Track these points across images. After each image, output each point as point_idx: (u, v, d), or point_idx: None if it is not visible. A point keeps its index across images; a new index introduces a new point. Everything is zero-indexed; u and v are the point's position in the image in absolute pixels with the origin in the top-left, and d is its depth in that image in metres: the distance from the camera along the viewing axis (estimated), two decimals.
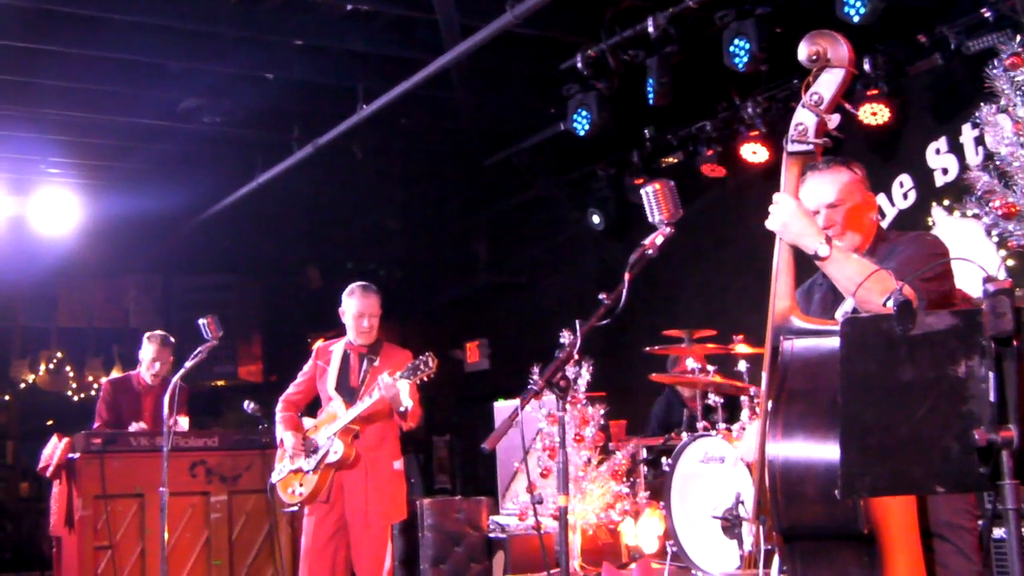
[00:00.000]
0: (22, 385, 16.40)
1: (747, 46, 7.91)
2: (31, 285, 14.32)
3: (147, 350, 8.90)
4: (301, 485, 7.16)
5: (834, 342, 3.04)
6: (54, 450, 8.67)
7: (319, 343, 7.63)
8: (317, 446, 7.12)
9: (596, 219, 11.18)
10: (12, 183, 11.80)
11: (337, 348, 7.39)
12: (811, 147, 3.67)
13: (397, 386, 6.82)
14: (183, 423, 8.68)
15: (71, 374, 16.21)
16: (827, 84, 3.65)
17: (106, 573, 8.18)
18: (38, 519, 14.70)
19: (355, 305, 7.24)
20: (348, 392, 7.18)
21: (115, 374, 14.70)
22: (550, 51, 9.41)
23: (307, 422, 7.37)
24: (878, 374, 2.87)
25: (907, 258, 3.80)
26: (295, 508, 7.32)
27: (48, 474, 8.78)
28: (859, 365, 2.89)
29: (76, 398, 16.16)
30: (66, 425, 9.89)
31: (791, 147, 3.70)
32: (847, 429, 2.88)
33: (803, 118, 3.67)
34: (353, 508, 7.06)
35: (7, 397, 17.04)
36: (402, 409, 6.98)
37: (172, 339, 9.08)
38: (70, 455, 8.45)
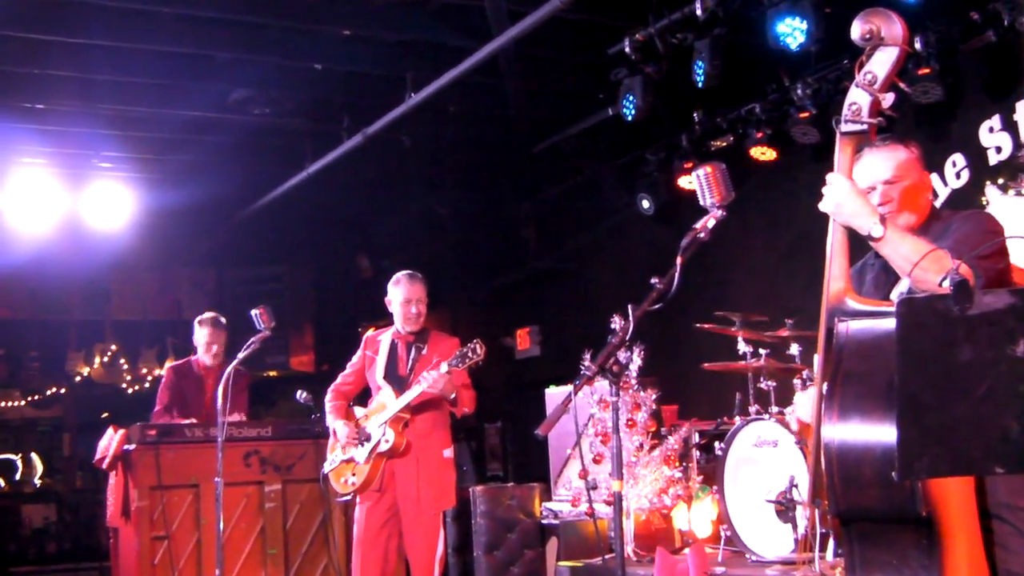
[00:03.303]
0: (77, 378, 16.58)
1: (804, 26, 7.83)
2: (85, 279, 14.47)
3: (201, 334, 8.97)
4: (353, 475, 7.21)
5: (890, 323, 3.01)
6: (110, 442, 8.77)
7: (369, 333, 7.68)
8: (368, 435, 7.17)
9: (646, 204, 11.15)
10: (66, 178, 11.90)
11: (385, 337, 7.43)
12: (865, 127, 3.63)
13: (444, 378, 6.85)
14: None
15: (125, 366, 16.37)
16: (881, 63, 3.60)
17: (163, 563, 8.26)
18: (95, 510, 14.91)
19: (402, 292, 7.28)
20: (397, 381, 7.23)
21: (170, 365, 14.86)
22: (598, 36, 9.38)
23: (358, 411, 7.44)
24: (935, 355, 2.84)
25: (962, 236, 3.76)
26: (348, 498, 7.37)
27: (104, 466, 8.88)
28: (916, 346, 2.86)
29: (131, 390, 16.33)
30: (121, 417, 10.00)
31: (844, 127, 3.66)
32: (904, 410, 2.85)
33: (857, 98, 3.63)
34: (405, 496, 7.11)
35: (63, 390, 17.25)
36: (452, 397, 7.02)
37: (223, 319, 9.14)
38: (126, 447, 8.54)
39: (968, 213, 4.06)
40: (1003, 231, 3.87)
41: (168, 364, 10.00)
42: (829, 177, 3.68)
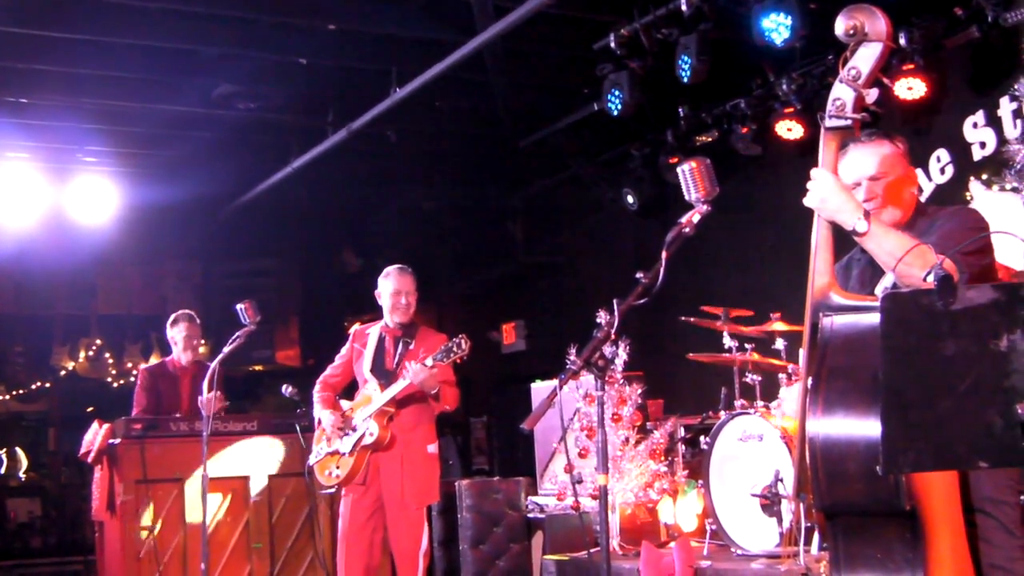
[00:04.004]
0: (62, 372, 16.53)
1: (788, 21, 7.84)
2: (70, 273, 14.41)
3: (178, 331, 8.91)
4: (338, 467, 7.22)
5: (874, 318, 3.02)
6: (95, 436, 8.75)
7: (356, 326, 7.69)
8: (353, 427, 7.18)
9: (631, 199, 11.16)
10: (51, 172, 11.87)
11: (373, 331, 7.46)
12: (849, 122, 3.65)
13: (426, 371, 6.87)
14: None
15: (111, 361, 16.32)
16: (865, 58, 3.62)
17: (148, 557, 8.24)
18: (80, 504, 14.88)
19: (392, 284, 7.32)
20: (383, 375, 7.25)
21: (154, 360, 14.84)
22: (583, 31, 9.39)
23: (343, 404, 7.45)
24: (919, 349, 2.86)
25: (947, 232, 3.78)
26: (332, 490, 7.39)
27: (89, 460, 8.87)
28: (900, 340, 2.88)
29: (116, 384, 16.28)
30: (106, 411, 9.97)
31: (829, 122, 3.67)
32: (889, 405, 2.86)
33: (841, 93, 3.65)
34: (389, 490, 7.13)
35: (48, 384, 17.19)
36: (433, 392, 7.03)
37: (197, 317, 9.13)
38: (111, 441, 8.53)
39: (954, 209, 4.09)
40: (988, 227, 3.89)
41: (142, 366, 9.97)
42: (814, 172, 3.70)
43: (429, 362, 6.86)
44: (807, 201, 3.70)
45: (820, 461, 3.28)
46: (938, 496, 3.33)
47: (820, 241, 3.65)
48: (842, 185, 3.69)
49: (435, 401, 7.14)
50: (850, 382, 3.29)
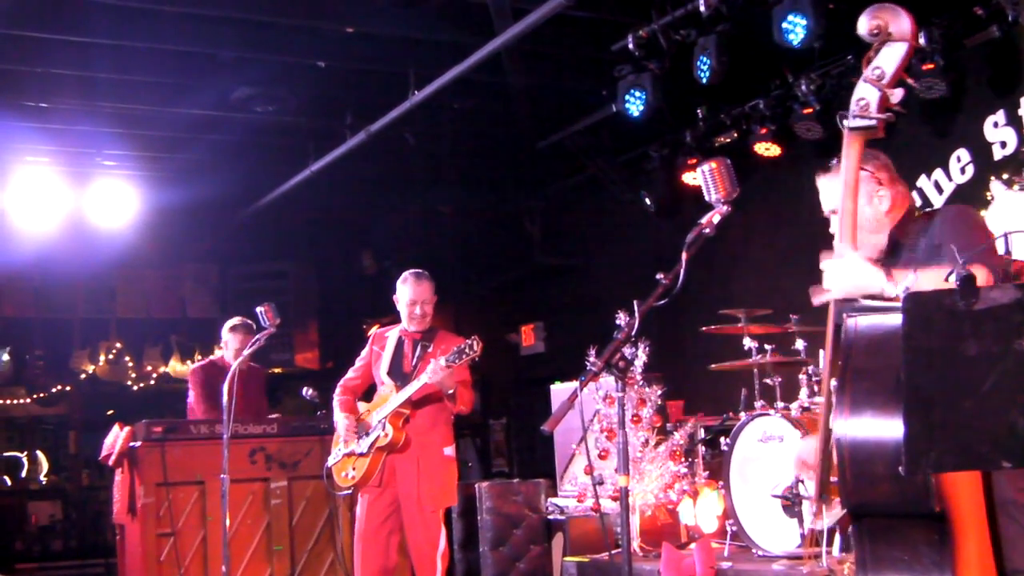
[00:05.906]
0: (83, 376, 16.59)
1: (805, 22, 7.82)
2: (90, 277, 14.49)
3: (234, 339, 8.87)
4: (354, 468, 7.24)
5: (898, 318, 3.01)
6: (116, 439, 8.78)
7: (375, 329, 7.70)
8: (369, 429, 7.19)
9: (649, 200, 11.14)
10: (70, 176, 11.92)
11: (392, 334, 7.46)
12: (873, 122, 3.63)
13: (443, 370, 6.86)
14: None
15: (130, 364, 16.39)
16: (889, 58, 3.60)
17: (169, 559, 8.28)
18: (101, 507, 14.94)
19: (408, 292, 7.30)
20: (401, 377, 7.25)
21: (174, 362, 14.91)
22: (601, 32, 9.37)
23: (361, 406, 7.47)
24: (942, 349, 2.85)
25: (955, 234, 3.73)
26: (349, 491, 7.40)
27: (110, 463, 8.89)
28: (922, 341, 2.87)
29: (136, 388, 16.34)
30: (126, 414, 10.00)
31: (853, 122, 3.65)
32: (911, 405, 2.85)
33: (865, 93, 3.63)
34: (405, 492, 7.13)
35: (68, 388, 17.25)
36: (450, 392, 7.03)
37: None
38: (132, 444, 8.55)
39: (947, 210, 4.06)
40: (984, 220, 3.87)
41: (192, 366, 9.99)
42: (824, 264, 3.66)
43: (443, 363, 6.85)
44: (831, 290, 3.64)
45: (848, 462, 3.26)
46: (965, 498, 3.31)
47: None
48: (855, 260, 3.63)
49: (451, 402, 7.14)
50: (876, 383, 3.28)
